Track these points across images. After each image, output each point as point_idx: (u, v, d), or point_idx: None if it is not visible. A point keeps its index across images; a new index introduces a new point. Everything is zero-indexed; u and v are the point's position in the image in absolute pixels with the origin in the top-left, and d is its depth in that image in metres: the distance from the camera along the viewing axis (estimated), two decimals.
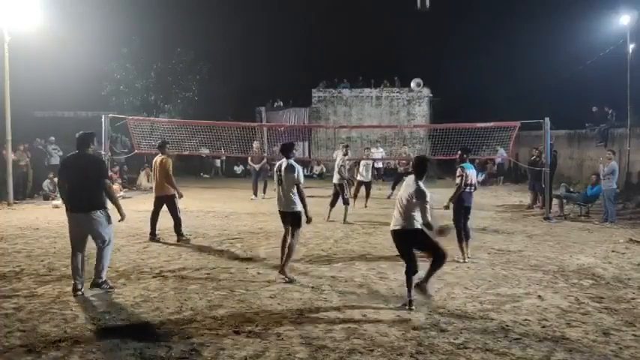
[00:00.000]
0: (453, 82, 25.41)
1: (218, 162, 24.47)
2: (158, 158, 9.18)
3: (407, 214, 5.52)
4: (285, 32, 28.82)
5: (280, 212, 6.85)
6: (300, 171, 6.67)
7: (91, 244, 6.06)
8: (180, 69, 24.51)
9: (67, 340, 4.57)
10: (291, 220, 6.71)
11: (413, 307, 5.45)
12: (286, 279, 6.52)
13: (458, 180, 7.81)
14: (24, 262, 7.42)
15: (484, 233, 9.97)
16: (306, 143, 25.24)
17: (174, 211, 9.01)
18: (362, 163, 13.79)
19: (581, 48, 19.99)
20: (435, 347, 4.48)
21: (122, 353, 4.32)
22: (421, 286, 5.63)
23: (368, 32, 28.64)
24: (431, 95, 25.42)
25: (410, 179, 5.72)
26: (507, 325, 5.01)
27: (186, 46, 24.28)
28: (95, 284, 6.00)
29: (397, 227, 5.60)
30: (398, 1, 30.58)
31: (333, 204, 11.46)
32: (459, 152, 8.13)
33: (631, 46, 15.58)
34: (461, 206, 7.80)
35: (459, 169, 7.90)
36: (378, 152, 20.78)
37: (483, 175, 21.03)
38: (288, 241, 6.70)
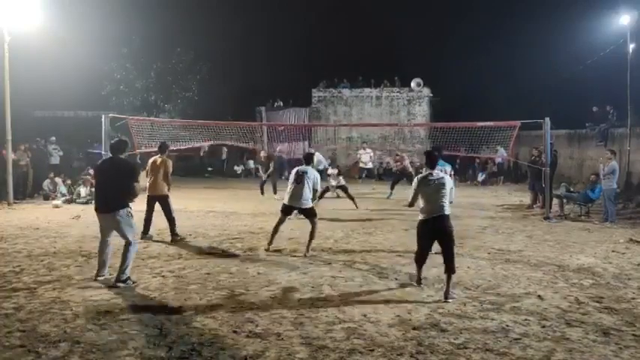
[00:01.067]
0: (453, 82, 25.40)
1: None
2: (158, 159, 9.29)
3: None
4: (285, 32, 28.85)
5: (288, 206, 8.09)
6: (318, 178, 8.20)
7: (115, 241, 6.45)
8: (180, 69, 24.54)
9: (67, 340, 4.57)
10: (306, 213, 8.11)
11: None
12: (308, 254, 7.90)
13: None
14: (24, 262, 7.42)
15: (484, 233, 9.98)
16: (306, 143, 25.25)
17: (168, 211, 9.10)
18: (330, 169, 14.18)
19: (581, 48, 19.98)
20: (435, 347, 4.48)
21: (122, 353, 4.32)
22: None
23: (368, 32, 28.66)
24: (431, 95, 25.42)
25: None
26: (507, 325, 5.01)
27: (186, 46, 24.30)
28: (119, 280, 6.23)
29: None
30: (398, 1, 30.76)
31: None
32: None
33: (631, 46, 15.58)
34: None
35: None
36: (366, 153, 20.75)
37: (483, 175, 21.06)
38: (310, 228, 8.06)
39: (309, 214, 8.11)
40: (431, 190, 6.06)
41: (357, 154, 21.37)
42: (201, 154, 24.06)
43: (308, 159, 8.53)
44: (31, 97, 19.63)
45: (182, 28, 24.48)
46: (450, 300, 5.75)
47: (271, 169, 15.47)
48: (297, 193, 7.97)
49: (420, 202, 6.13)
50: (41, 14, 14.24)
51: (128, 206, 6.32)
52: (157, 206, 9.27)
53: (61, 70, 19.68)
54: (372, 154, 21.06)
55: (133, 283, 6.29)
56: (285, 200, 8.13)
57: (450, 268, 5.90)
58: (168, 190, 9.30)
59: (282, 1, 30.19)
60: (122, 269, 6.26)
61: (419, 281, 6.30)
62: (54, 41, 17.50)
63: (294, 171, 8.23)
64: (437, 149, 8.47)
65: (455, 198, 8.90)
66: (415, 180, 6.30)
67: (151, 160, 9.45)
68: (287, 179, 9.26)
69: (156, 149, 10.03)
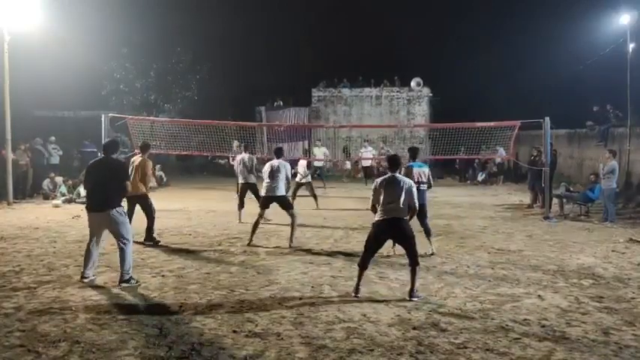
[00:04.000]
0: (453, 82, 25.40)
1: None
2: (137, 158, 8.96)
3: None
4: (285, 32, 28.84)
5: (266, 197, 8.80)
6: (289, 168, 9.12)
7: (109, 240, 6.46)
8: (180, 69, 24.51)
9: (67, 340, 4.57)
10: (281, 202, 8.81)
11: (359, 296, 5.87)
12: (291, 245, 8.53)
13: None
14: (24, 262, 7.42)
15: (484, 233, 9.97)
16: (306, 143, 25.24)
17: (149, 211, 8.78)
18: (300, 163, 13.67)
19: (581, 48, 19.96)
20: (435, 347, 4.48)
21: (122, 353, 4.32)
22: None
23: (368, 32, 28.66)
24: (431, 95, 25.43)
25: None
26: (507, 325, 5.01)
27: (186, 46, 24.29)
28: (122, 281, 6.24)
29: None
30: (398, 1, 30.76)
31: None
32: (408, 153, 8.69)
33: (631, 46, 15.56)
34: None
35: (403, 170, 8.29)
36: (367, 151, 20.82)
37: (483, 175, 21.07)
38: (290, 220, 8.79)
39: (283, 203, 8.84)
40: (388, 192, 5.97)
41: (360, 152, 21.42)
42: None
43: (279, 153, 9.18)
44: (31, 97, 19.60)
45: (182, 28, 24.46)
46: (415, 299, 5.73)
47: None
48: (271, 186, 8.74)
49: (378, 205, 6.02)
50: (41, 14, 14.23)
51: (120, 205, 6.36)
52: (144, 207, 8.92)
53: (61, 70, 19.63)
54: (373, 151, 21.10)
55: (137, 282, 6.30)
56: (262, 193, 8.93)
57: (413, 262, 5.87)
58: (147, 191, 8.86)
59: (282, 1, 30.22)
60: (125, 270, 6.25)
61: (357, 290, 5.95)
62: (54, 41, 17.49)
63: (266, 167, 8.93)
64: (412, 150, 8.52)
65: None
66: (376, 181, 6.25)
67: (132, 159, 9.13)
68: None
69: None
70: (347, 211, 12.91)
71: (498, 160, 20.46)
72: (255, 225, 8.80)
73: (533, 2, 26.26)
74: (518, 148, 20.82)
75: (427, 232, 8.11)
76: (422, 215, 7.96)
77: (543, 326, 5.00)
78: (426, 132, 24.33)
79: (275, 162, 8.91)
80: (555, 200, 12.54)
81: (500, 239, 9.38)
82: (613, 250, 8.48)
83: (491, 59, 25.07)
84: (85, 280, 6.30)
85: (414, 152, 8.50)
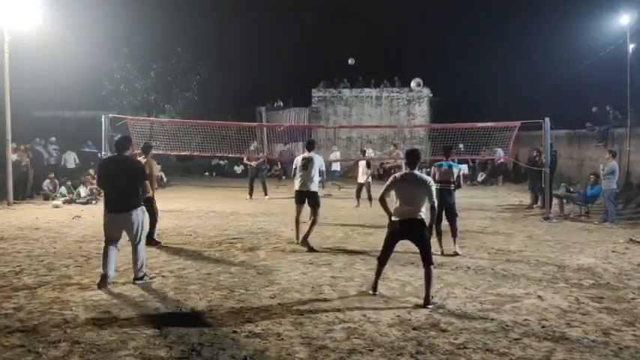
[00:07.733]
0: (453, 82, 25.41)
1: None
2: (141, 159, 8.60)
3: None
4: (285, 32, 28.85)
5: (298, 192, 8.60)
6: (322, 161, 8.93)
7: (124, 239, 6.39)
8: (181, 69, 24.55)
9: (67, 340, 4.57)
10: (311, 199, 8.52)
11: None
12: (307, 249, 8.19)
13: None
14: (24, 262, 7.42)
15: (484, 233, 9.98)
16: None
17: (151, 214, 8.38)
18: (360, 163, 13.98)
19: (581, 48, 19.98)
20: (435, 347, 4.48)
21: (122, 353, 4.31)
22: None
23: (368, 32, 28.66)
24: (431, 95, 25.42)
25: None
26: (507, 325, 5.01)
27: (186, 45, 24.32)
28: (137, 278, 6.28)
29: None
30: (398, 1, 30.76)
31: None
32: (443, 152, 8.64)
33: (631, 46, 15.58)
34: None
35: (432, 168, 8.55)
36: (369, 153, 20.90)
37: (484, 175, 21.07)
38: (310, 217, 8.46)
39: (312, 200, 8.56)
40: (404, 190, 5.78)
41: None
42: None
43: (311, 145, 9.02)
44: (31, 97, 19.62)
45: (182, 28, 24.49)
46: (430, 306, 5.48)
47: (260, 162, 15.95)
48: (304, 180, 8.57)
49: (395, 202, 5.85)
50: (41, 14, 14.24)
51: (141, 205, 6.32)
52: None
53: (61, 70, 19.64)
54: (373, 154, 21.13)
55: (151, 278, 6.36)
56: (296, 187, 8.68)
57: (427, 261, 5.67)
58: (152, 194, 8.51)
59: (282, 1, 30.23)
60: (138, 268, 6.30)
61: (374, 288, 5.97)
62: (54, 41, 17.50)
63: (299, 158, 8.76)
64: (446, 149, 8.60)
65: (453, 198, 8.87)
66: (394, 175, 6.01)
67: None
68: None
69: (156, 150, 9.82)
70: (347, 211, 12.91)
71: (500, 160, 20.47)
72: (297, 222, 8.71)
73: (534, 2, 26.27)
74: (518, 149, 20.83)
75: (454, 233, 8.20)
76: (449, 216, 8.18)
77: (543, 326, 5.00)
78: (426, 132, 24.33)
79: (310, 154, 8.74)
80: (555, 201, 12.54)
81: (500, 239, 9.38)
82: (613, 251, 8.48)
83: (492, 59, 25.08)
84: (106, 285, 6.07)
85: (446, 151, 8.54)
